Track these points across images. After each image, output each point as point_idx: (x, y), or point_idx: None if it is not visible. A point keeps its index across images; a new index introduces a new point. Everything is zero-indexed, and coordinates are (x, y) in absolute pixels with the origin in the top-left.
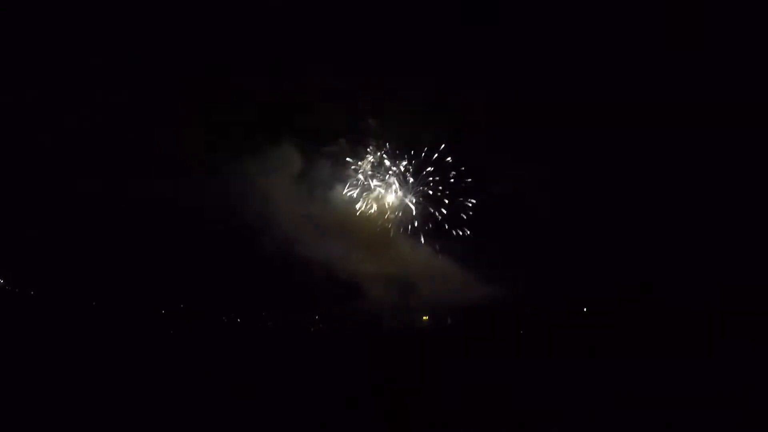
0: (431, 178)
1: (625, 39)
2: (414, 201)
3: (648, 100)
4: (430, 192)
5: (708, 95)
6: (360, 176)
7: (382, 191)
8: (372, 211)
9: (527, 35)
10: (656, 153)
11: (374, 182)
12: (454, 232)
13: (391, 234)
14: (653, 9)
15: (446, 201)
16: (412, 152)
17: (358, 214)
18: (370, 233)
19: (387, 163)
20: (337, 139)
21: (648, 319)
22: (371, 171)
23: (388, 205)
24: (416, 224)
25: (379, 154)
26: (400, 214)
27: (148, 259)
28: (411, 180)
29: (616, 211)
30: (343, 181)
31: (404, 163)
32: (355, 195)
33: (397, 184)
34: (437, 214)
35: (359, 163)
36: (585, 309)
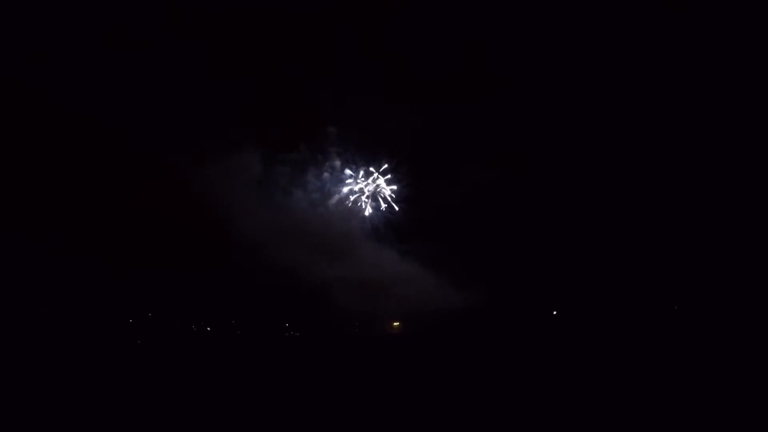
0: (393, 182)
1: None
2: (380, 204)
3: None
4: (394, 195)
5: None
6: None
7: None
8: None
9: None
10: (635, 148)
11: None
12: (421, 235)
13: (359, 237)
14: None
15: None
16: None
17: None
18: (335, 238)
19: (348, 170)
20: (296, 145)
21: (627, 321)
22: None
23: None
24: (383, 227)
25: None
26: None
27: (112, 268)
28: (378, 183)
29: (592, 208)
30: (303, 187)
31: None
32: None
33: (365, 188)
34: (401, 216)
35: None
36: (555, 312)
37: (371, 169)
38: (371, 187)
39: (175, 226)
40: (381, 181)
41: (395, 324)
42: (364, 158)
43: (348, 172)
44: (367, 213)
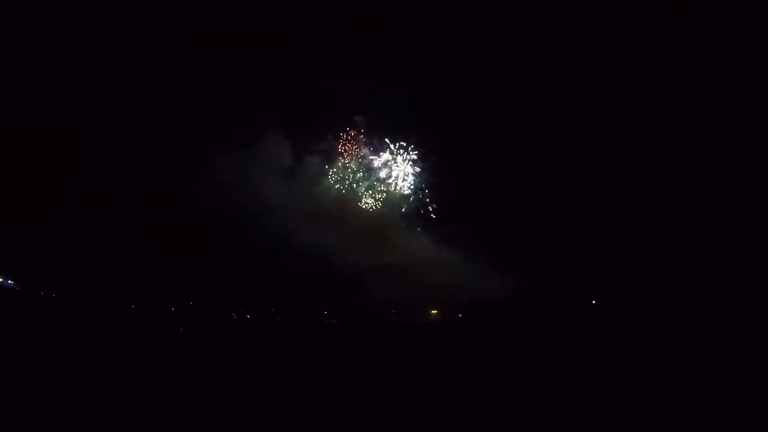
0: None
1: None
2: (416, 191)
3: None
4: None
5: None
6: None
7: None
8: (378, 202)
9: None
10: (669, 135)
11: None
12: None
13: (397, 224)
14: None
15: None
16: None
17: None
18: (372, 225)
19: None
20: (325, 134)
21: (663, 314)
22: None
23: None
24: (420, 214)
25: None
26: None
27: (151, 258)
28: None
29: (625, 200)
30: (332, 175)
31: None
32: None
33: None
34: (431, 204)
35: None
36: (594, 302)
37: (398, 154)
38: (402, 173)
39: (211, 216)
40: (410, 166)
41: (433, 312)
42: (392, 144)
43: (378, 158)
44: (400, 199)
